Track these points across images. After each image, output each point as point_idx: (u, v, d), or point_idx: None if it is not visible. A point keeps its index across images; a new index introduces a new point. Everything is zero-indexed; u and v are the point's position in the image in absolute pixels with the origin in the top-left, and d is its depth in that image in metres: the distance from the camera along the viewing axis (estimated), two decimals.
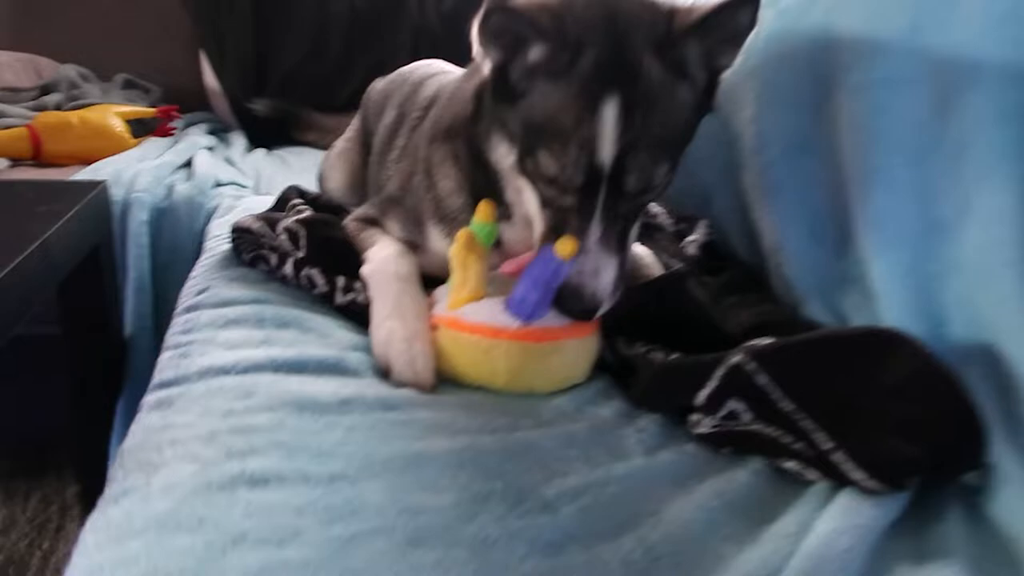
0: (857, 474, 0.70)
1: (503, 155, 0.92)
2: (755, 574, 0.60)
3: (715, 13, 0.82)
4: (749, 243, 1.11)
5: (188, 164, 1.78)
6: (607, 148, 0.81)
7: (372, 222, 1.15)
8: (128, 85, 2.28)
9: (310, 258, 1.06)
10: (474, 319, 0.88)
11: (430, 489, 0.68)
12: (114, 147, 1.85)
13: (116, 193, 1.52)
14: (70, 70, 2.17)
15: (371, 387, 0.84)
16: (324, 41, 2.21)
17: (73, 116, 1.86)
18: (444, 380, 0.89)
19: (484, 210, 0.94)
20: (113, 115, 1.91)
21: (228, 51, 2.26)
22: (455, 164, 1.03)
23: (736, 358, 0.78)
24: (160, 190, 1.58)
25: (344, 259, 1.06)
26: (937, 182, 0.85)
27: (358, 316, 0.98)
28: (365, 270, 1.03)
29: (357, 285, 1.02)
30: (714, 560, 0.63)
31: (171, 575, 0.55)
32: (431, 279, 1.01)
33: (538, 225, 0.89)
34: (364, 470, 0.69)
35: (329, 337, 0.93)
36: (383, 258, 1.03)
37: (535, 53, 0.84)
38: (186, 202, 1.57)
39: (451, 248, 0.91)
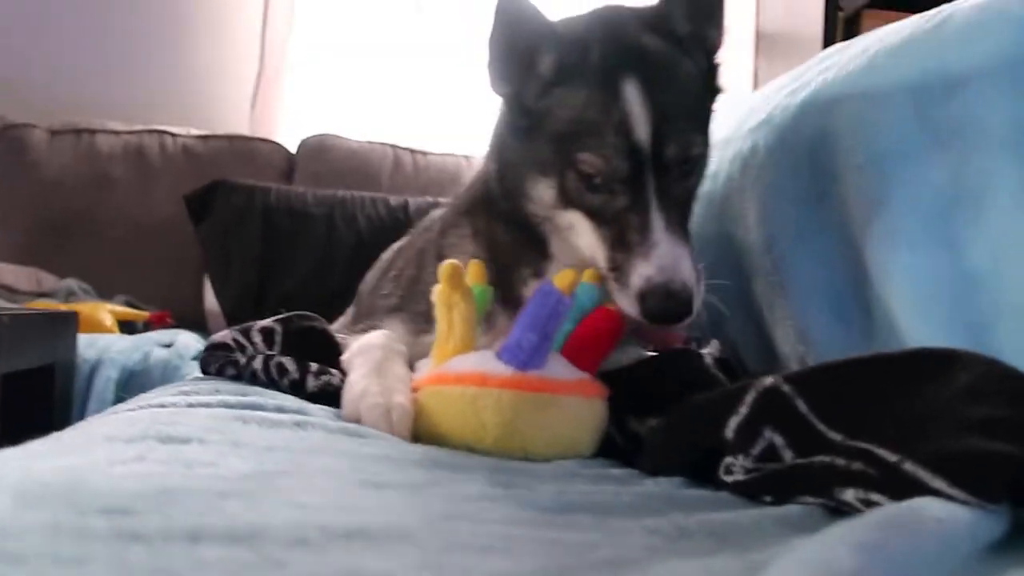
0: (937, 482, 0.55)
1: (543, 191, 0.89)
2: None
3: None
4: (765, 356, 1.02)
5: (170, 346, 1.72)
6: (641, 124, 0.82)
7: (367, 330, 1.07)
8: (127, 305, 2.28)
9: (284, 348, 0.96)
10: (460, 368, 0.75)
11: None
12: None
13: (88, 354, 1.44)
14: (71, 282, 2.19)
15: (333, 420, 0.71)
16: (328, 266, 2.26)
17: (63, 306, 1.83)
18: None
19: (474, 271, 0.85)
20: (105, 311, 1.89)
21: (232, 274, 2.30)
22: (473, 240, 1.01)
23: (769, 380, 0.66)
24: (136, 355, 1.50)
25: (321, 350, 0.96)
26: (961, 235, 0.80)
27: (331, 399, 0.86)
28: (347, 353, 0.93)
29: (333, 371, 0.91)
30: None
31: None
32: None
33: (599, 251, 0.84)
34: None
35: (291, 400, 0.81)
36: (369, 337, 0.94)
37: (544, 65, 0.87)
38: (161, 366, 1.49)
39: (434, 289, 0.80)
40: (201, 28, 3.09)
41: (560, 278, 0.75)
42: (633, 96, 0.82)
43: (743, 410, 0.66)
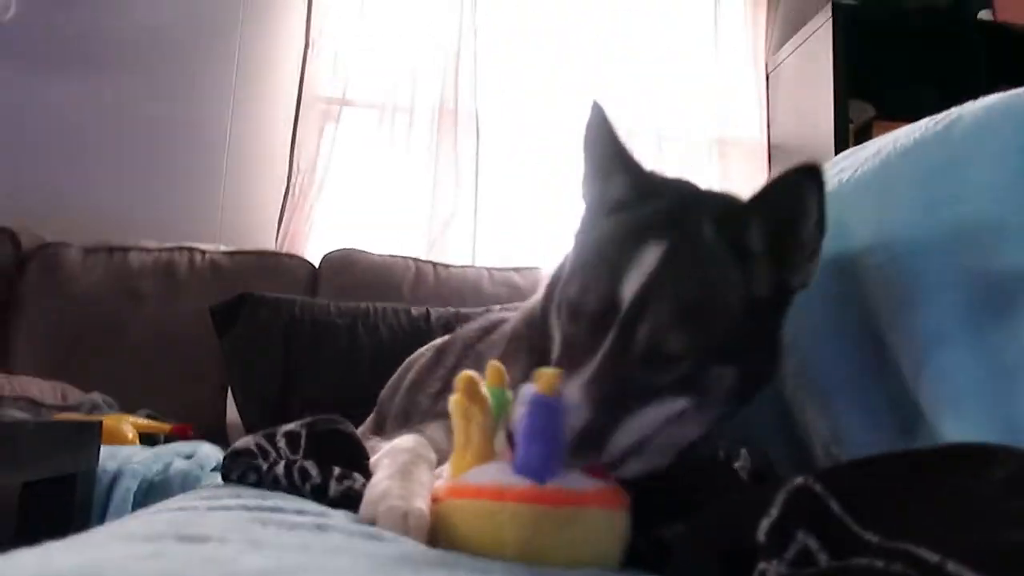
0: None
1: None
2: None
3: (773, 185, 0.83)
4: (798, 461, 0.99)
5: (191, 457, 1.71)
6: (631, 283, 0.79)
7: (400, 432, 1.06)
8: (149, 418, 2.28)
9: (308, 452, 0.95)
10: (478, 481, 0.73)
11: None
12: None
13: (108, 465, 1.43)
14: (95, 396, 2.20)
15: (355, 524, 0.69)
16: (350, 375, 2.26)
17: (85, 417, 1.84)
18: None
19: (492, 374, 0.81)
20: (127, 423, 1.89)
21: (254, 386, 2.31)
22: (528, 355, 0.99)
23: (799, 480, 0.65)
24: (156, 465, 1.49)
25: (346, 453, 0.95)
26: (994, 329, 0.80)
27: (353, 504, 0.84)
28: (374, 457, 0.92)
29: (356, 475, 0.90)
30: None
31: None
32: None
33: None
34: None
35: (312, 505, 0.79)
36: (400, 440, 0.93)
37: (616, 185, 0.89)
38: (182, 477, 1.47)
39: (450, 399, 0.78)
40: (233, 152, 3.23)
41: (540, 378, 0.72)
42: (648, 258, 0.79)
43: (774, 511, 0.63)
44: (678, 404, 0.82)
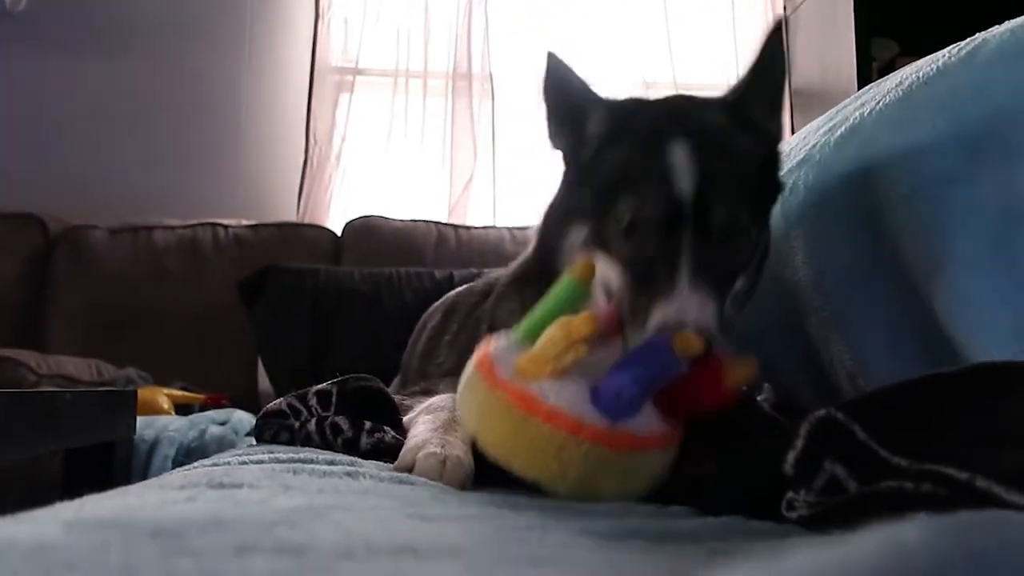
0: (1014, 496, 0.52)
1: (575, 236, 0.90)
2: None
3: (759, 59, 0.93)
4: (824, 396, 0.99)
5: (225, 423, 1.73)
6: (684, 179, 0.81)
7: (422, 392, 1.08)
8: (183, 390, 2.32)
9: (339, 409, 0.96)
10: (554, 403, 0.67)
11: None
12: None
13: (146, 435, 1.46)
14: (130, 371, 2.24)
15: (385, 471, 0.70)
16: (377, 340, 2.28)
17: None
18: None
19: (582, 267, 0.78)
20: (162, 395, 1.93)
21: (284, 355, 2.34)
22: (521, 314, 0.99)
23: (822, 411, 0.64)
24: (192, 432, 1.52)
25: (377, 409, 0.96)
26: (1022, 253, 0.78)
27: (385, 456, 0.85)
28: (409, 415, 0.93)
29: (387, 428, 0.91)
30: None
31: None
32: None
33: (624, 297, 0.81)
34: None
35: (343, 456, 0.81)
36: (437, 400, 0.94)
37: (594, 126, 0.91)
38: (217, 442, 1.50)
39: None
40: (250, 126, 3.23)
41: (682, 340, 0.70)
42: (679, 154, 0.82)
43: (799, 443, 0.63)
44: (739, 285, 0.87)
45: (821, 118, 1.24)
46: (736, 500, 0.67)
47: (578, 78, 0.95)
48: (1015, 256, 0.79)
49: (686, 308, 0.75)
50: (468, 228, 2.83)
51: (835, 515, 0.59)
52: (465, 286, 1.47)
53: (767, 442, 0.66)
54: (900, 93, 1.02)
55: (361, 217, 2.84)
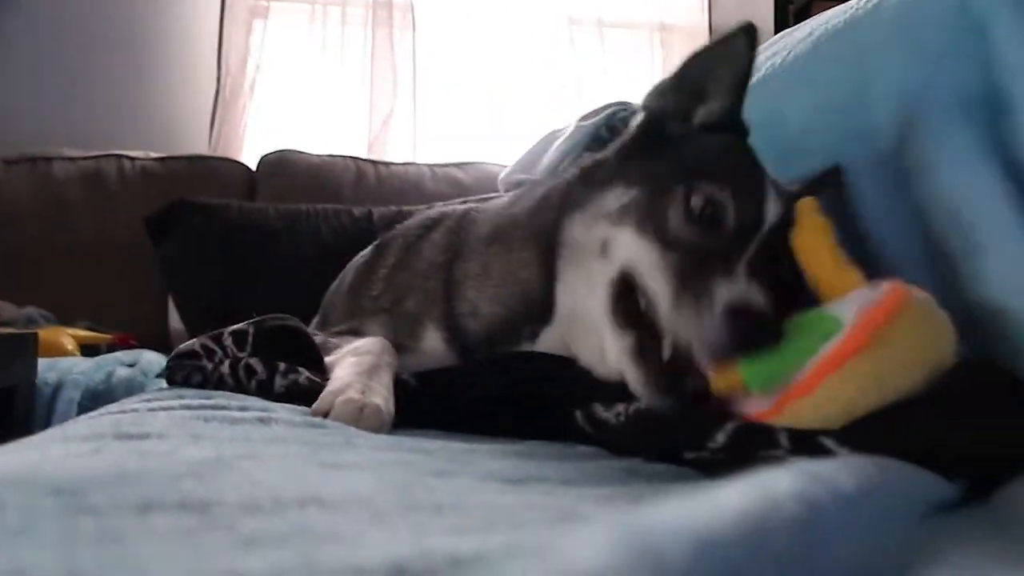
0: None
1: (612, 199, 0.83)
2: None
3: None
4: None
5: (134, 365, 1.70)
6: (772, 204, 0.79)
7: (349, 331, 1.07)
8: (89, 330, 2.25)
9: (255, 350, 0.95)
10: None
11: None
12: None
13: (49, 377, 1.42)
14: (31, 310, 2.15)
15: (299, 416, 0.70)
16: (294, 279, 2.24)
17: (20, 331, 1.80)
18: None
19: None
20: (66, 335, 1.86)
21: (196, 295, 2.28)
22: (480, 285, 0.98)
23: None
24: (98, 375, 1.48)
25: (296, 349, 0.95)
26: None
27: (300, 399, 0.85)
28: (333, 356, 0.93)
29: (301, 370, 0.90)
30: None
31: None
32: None
33: (658, 280, 0.74)
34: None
35: (256, 401, 0.80)
36: (365, 342, 0.93)
37: (711, 108, 0.87)
38: (125, 385, 1.47)
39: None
40: (157, 52, 3.08)
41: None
42: (771, 186, 0.81)
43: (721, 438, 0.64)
44: None
45: None
46: (642, 445, 0.70)
47: (752, 66, 0.86)
48: (903, 206, 0.84)
49: (754, 292, 0.70)
50: (388, 164, 2.78)
51: (731, 464, 0.62)
52: (398, 228, 1.45)
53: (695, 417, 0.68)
54: (809, 45, 1.04)
55: (276, 151, 2.76)
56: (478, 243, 1.02)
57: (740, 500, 0.26)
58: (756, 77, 1.13)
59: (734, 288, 0.70)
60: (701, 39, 3.23)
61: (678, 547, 0.19)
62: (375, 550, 0.27)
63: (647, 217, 0.79)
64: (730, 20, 3.10)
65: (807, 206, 0.74)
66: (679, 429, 0.68)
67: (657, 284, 0.75)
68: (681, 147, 0.86)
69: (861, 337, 0.61)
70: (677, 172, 0.81)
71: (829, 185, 0.92)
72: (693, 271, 0.73)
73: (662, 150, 0.87)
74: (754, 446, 0.61)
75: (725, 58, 0.86)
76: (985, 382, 0.60)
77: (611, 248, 0.81)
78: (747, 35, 0.84)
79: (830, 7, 1.11)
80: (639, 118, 0.91)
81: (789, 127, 1.02)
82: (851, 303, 0.64)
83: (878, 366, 0.60)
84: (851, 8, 1.03)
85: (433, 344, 1.00)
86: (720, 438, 0.63)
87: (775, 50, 1.17)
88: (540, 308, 0.91)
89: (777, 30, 2.80)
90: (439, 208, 1.30)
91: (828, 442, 0.58)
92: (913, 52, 0.89)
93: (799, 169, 0.97)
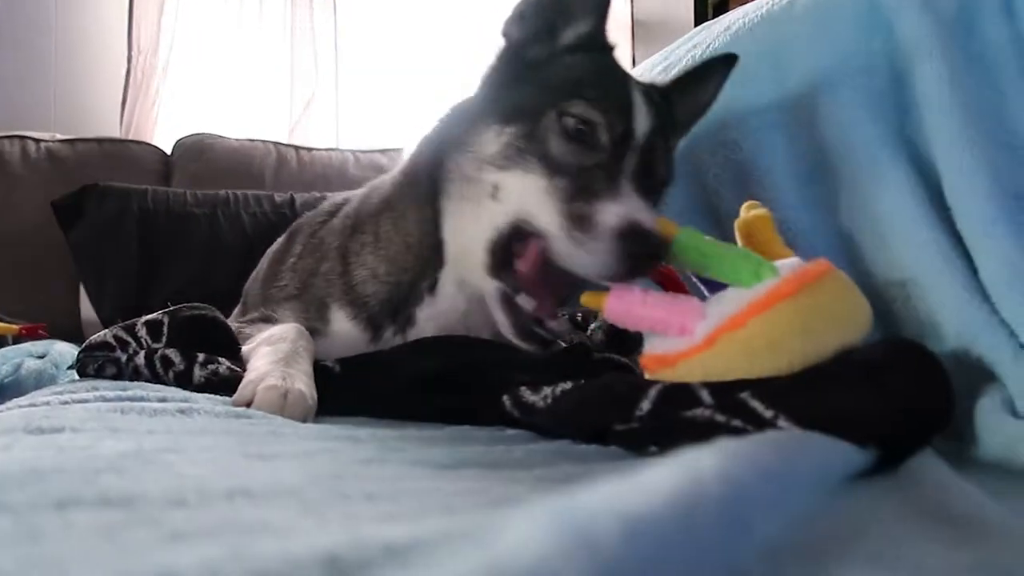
0: None
1: (490, 140, 0.84)
2: None
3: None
4: None
5: (44, 356, 1.62)
6: (642, 112, 0.82)
7: (262, 319, 1.05)
8: None
9: (171, 340, 0.92)
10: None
11: None
12: None
13: None
14: None
15: (221, 406, 0.69)
16: (212, 264, 2.19)
17: None
18: None
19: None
20: None
21: (108, 282, 2.20)
22: (374, 251, 1.00)
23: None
24: (5, 367, 1.41)
25: (212, 339, 0.93)
26: (828, 192, 0.87)
27: (219, 390, 0.83)
28: (248, 345, 0.91)
29: (221, 360, 0.88)
30: None
31: None
32: None
33: (548, 207, 0.78)
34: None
35: (175, 391, 0.78)
36: (278, 329, 0.92)
37: (577, 30, 0.88)
38: (35, 377, 1.40)
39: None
40: (64, 29, 2.93)
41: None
42: (639, 98, 0.83)
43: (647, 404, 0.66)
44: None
45: (657, 56, 1.28)
46: (570, 425, 0.71)
47: None
48: (817, 196, 0.87)
49: (641, 211, 0.74)
50: (310, 150, 2.73)
51: (655, 434, 0.64)
52: (304, 216, 1.42)
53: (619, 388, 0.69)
54: (728, 38, 1.07)
55: (193, 135, 2.67)
56: (368, 216, 1.04)
57: (668, 481, 0.27)
58: (677, 69, 1.16)
59: (620, 209, 0.74)
60: (624, 32, 3.28)
61: (611, 530, 0.20)
62: (307, 541, 0.27)
63: (527, 154, 0.81)
64: (652, 14, 3.14)
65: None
66: (607, 404, 0.69)
67: (548, 224, 0.78)
68: (546, 70, 0.87)
69: (792, 284, 0.65)
70: (545, 97, 0.83)
71: (716, 74, 0.97)
72: (579, 198, 0.77)
73: (528, 76, 0.87)
74: (678, 407, 0.63)
75: None
76: (904, 356, 0.63)
77: (502, 192, 0.83)
78: None
79: (748, 2, 1.14)
80: (500, 46, 0.91)
81: (709, 117, 1.04)
82: (788, 265, 0.68)
83: (805, 314, 0.64)
84: (767, 4, 1.06)
85: (341, 324, 1.01)
86: (645, 405, 0.64)
87: (695, 42, 1.19)
88: (432, 253, 0.94)
89: (697, 23, 2.87)
90: (345, 194, 1.29)
91: (752, 403, 0.59)
92: (825, 47, 0.92)
93: (723, 158, 1.00)
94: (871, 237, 0.82)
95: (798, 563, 0.33)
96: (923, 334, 0.73)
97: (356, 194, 1.18)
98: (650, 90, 0.88)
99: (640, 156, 0.81)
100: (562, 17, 0.89)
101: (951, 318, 0.69)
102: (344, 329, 0.99)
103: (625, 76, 0.88)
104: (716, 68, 0.97)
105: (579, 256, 0.74)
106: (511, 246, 0.83)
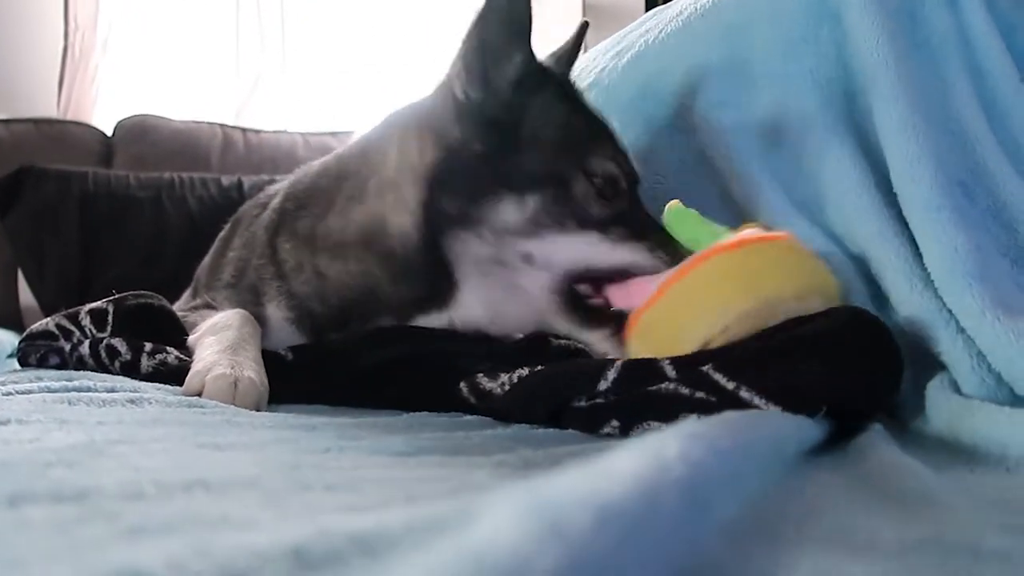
0: (771, 408, 0.59)
1: (511, 213, 0.82)
2: None
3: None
4: None
5: None
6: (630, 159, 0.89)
7: (206, 306, 1.03)
8: None
9: (116, 330, 0.90)
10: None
11: None
12: None
13: None
14: None
15: (172, 396, 0.68)
16: (158, 250, 2.14)
17: None
18: None
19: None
20: None
21: (49, 268, 2.13)
22: (314, 277, 0.94)
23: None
24: None
25: (159, 329, 0.91)
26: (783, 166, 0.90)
27: (168, 380, 0.82)
28: (195, 332, 0.89)
29: (169, 349, 0.86)
30: None
31: None
32: None
33: (611, 253, 0.82)
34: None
35: (124, 381, 0.77)
36: (223, 317, 0.90)
37: (515, 65, 0.85)
38: None
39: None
40: None
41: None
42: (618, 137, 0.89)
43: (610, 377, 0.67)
44: None
45: (609, 41, 1.29)
46: (529, 409, 0.71)
47: (530, 10, 0.84)
48: (776, 168, 0.89)
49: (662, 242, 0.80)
50: (257, 132, 2.68)
51: (616, 410, 0.64)
52: (246, 204, 1.39)
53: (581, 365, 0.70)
54: (679, 24, 1.08)
55: (135, 116, 2.60)
56: (303, 241, 0.96)
57: (633, 465, 0.27)
58: (630, 54, 1.17)
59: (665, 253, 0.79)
60: (576, 16, 3.27)
61: (581, 516, 0.20)
62: (271, 533, 0.26)
63: (562, 217, 0.82)
64: None
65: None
66: (569, 379, 0.69)
67: (630, 258, 0.81)
68: (529, 126, 0.85)
69: (737, 241, 0.68)
70: (553, 157, 0.83)
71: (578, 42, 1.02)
72: (628, 242, 0.81)
73: (513, 137, 0.85)
74: (642, 381, 0.64)
75: (508, 9, 0.84)
76: (853, 325, 0.65)
77: (538, 258, 0.82)
78: None
79: None
80: (463, 124, 0.86)
81: (662, 102, 1.05)
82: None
83: (743, 262, 0.68)
84: None
85: (278, 323, 0.97)
86: (609, 376, 0.65)
87: (647, 28, 1.20)
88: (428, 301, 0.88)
89: (648, 8, 2.88)
90: (275, 186, 1.25)
91: (715, 375, 0.61)
92: (774, 34, 0.94)
93: (677, 142, 1.01)
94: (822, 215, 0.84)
95: (755, 543, 0.34)
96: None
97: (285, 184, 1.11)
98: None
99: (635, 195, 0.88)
100: (494, 60, 0.85)
101: (902, 300, 0.71)
102: (283, 328, 0.96)
103: (597, 111, 0.90)
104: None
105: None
106: (573, 292, 0.84)
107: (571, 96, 0.91)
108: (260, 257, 1.01)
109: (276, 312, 0.97)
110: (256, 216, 1.14)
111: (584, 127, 0.88)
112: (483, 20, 0.84)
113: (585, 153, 0.83)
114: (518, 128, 0.85)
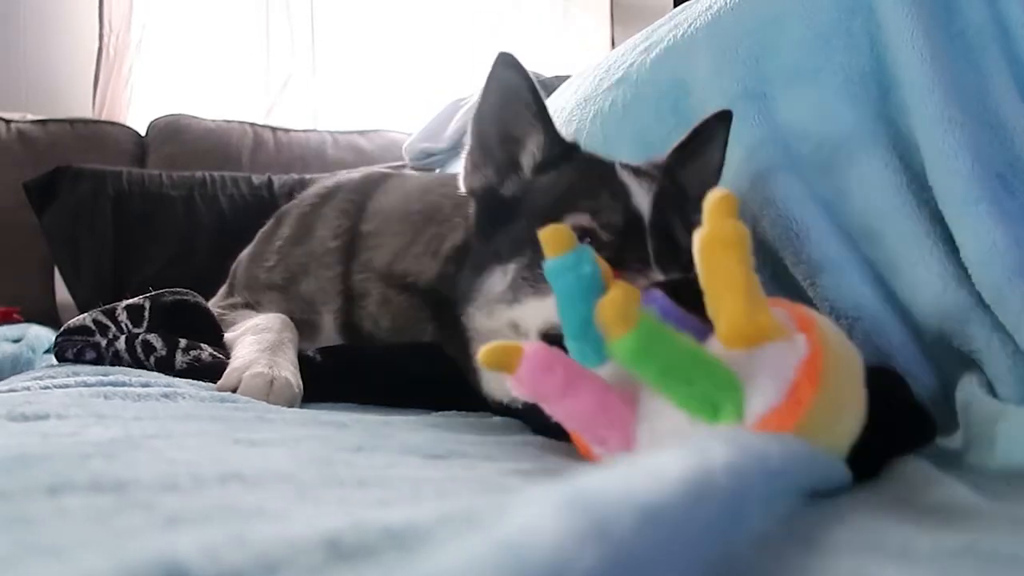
0: None
1: (496, 281, 0.81)
2: None
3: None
4: None
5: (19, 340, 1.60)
6: (641, 194, 0.79)
7: (245, 306, 1.04)
8: None
9: (152, 325, 0.92)
10: None
11: None
12: None
13: None
14: None
15: (206, 391, 0.69)
16: (190, 247, 2.17)
17: None
18: None
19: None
20: None
21: (84, 265, 2.17)
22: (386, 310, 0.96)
23: None
24: None
25: (195, 325, 0.92)
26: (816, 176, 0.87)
27: (202, 376, 0.83)
28: (233, 331, 0.90)
29: (204, 346, 0.88)
30: None
31: None
32: None
33: None
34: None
35: (158, 376, 0.78)
36: (264, 319, 0.92)
37: (531, 152, 0.85)
38: (11, 362, 1.38)
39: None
40: (33, 7, 2.87)
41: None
42: (627, 173, 0.81)
43: None
44: None
45: (639, 36, 1.28)
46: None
47: (536, 89, 0.84)
48: (795, 160, 0.88)
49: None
50: (287, 131, 2.70)
51: None
52: (296, 198, 1.40)
53: None
54: (709, 18, 1.07)
55: (168, 115, 2.63)
56: (377, 275, 0.98)
57: (680, 469, 0.27)
58: (659, 48, 1.16)
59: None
60: (604, 12, 3.26)
61: (622, 516, 0.20)
62: (306, 525, 0.27)
63: (535, 281, 0.76)
64: None
65: (719, 207, 0.49)
66: None
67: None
68: (529, 199, 0.84)
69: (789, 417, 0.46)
70: (535, 224, 0.80)
71: (717, 134, 0.93)
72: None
73: (514, 212, 0.84)
74: None
75: (505, 96, 0.84)
76: (884, 384, 0.63)
77: (523, 326, 0.79)
78: (504, 63, 0.83)
79: None
80: (471, 204, 0.88)
81: (692, 95, 1.04)
82: (763, 371, 0.48)
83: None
84: None
85: (329, 332, 1.01)
86: None
87: (676, 22, 1.19)
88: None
89: (677, 3, 2.86)
90: (333, 179, 1.26)
91: None
92: (805, 27, 0.92)
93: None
94: (851, 219, 0.83)
95: (788, 548, 0.34)
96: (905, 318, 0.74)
97: (350, 183, 1.15)
98: (643, 171, 0.85)
99: (656, 237, 0.77)
100: (513, 145, 0.86)
101: (934, 300, 0.70)
102: (332, 336, 1.00)
103: (611, 168, 0.83)
104: (714, 128, 0.93)
105: None
106: None
107: (591, 161, 0.87)
108: (327, 269, 1.03)
109: (330, 322, 1.01)
110: (312, 207, 1.14)
111: (577, 184, 0.82)
112: (479, 115, 0.85)
113: (563, 211, 0.78)
114: (521, 203, 0.84)
